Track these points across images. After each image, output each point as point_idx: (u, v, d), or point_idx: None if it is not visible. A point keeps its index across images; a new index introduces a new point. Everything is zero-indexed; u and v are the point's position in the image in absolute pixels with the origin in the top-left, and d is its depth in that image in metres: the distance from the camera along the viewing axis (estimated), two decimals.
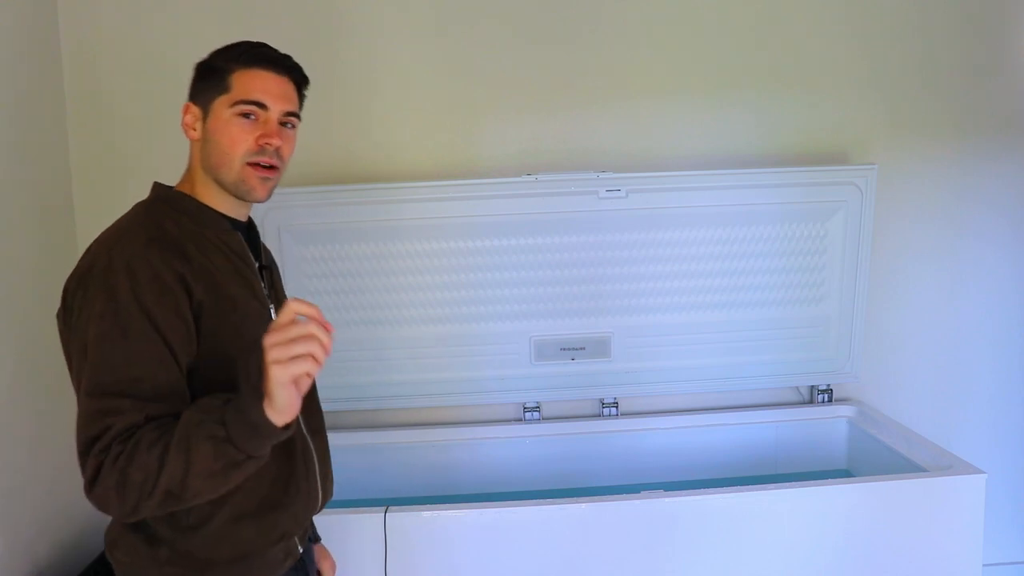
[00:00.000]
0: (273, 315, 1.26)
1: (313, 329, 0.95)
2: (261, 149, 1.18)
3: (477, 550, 1.77)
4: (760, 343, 2.33)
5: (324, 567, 1.52)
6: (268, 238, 2.15)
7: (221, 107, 1.17)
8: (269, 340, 0.95)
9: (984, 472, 1.85)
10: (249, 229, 1.30)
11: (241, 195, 1.21)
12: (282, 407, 0.96)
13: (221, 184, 1.20)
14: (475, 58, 2.24)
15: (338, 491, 2.29)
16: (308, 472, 1.27)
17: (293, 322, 0.95)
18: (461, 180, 2.16)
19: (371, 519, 1.75)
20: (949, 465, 1.91)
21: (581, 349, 2.30)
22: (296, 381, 0.96)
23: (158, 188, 1.23)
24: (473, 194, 2.15)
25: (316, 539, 1.54)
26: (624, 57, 2.27)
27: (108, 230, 1.15)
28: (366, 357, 2.26)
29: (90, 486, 1.02)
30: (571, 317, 2.28)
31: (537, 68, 2.25)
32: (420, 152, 2.27)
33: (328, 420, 2.39)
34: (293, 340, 0.94)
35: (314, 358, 0.95)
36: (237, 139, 1.17)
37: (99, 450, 1.01)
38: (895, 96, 2.33)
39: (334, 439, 2.30)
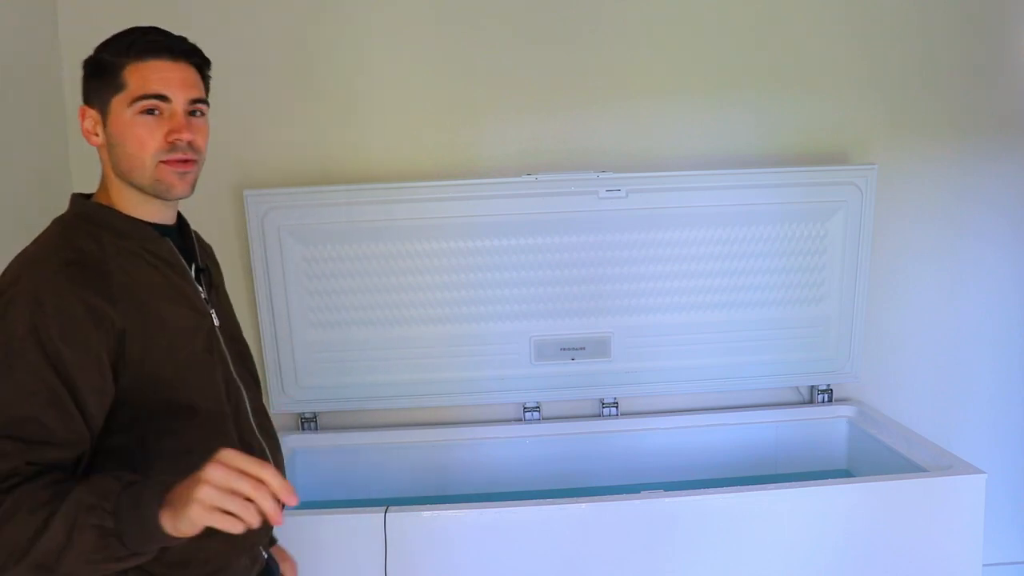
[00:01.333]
0: (215, 320, 1.19)
1: (264, 503, 0.86)
2: (172, 146, 1.09)
3: (477, 550, 1.77)
4: (760, 343, 2.33)
5: (285, 568, 1.45)
6: (268, 238, 2.15)
7: (120, 106, 1.08)
8: (212, 474, 0.86)
9: (984, 472, 1.85)
10: (181, 230, 1.22)
11: (160, 195, 1.11)
12: (182, 531, 0.88)
13: (138, 188, 1.11)
14: (475, 58, 2.24)
15: (338, 491, 2.30)
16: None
17: (249, 474, 0.86)
18: (461, 180, 2.16)
19: (371, 519, 1.75)
20: (949, 465, 1.91)
21: (581, 349, 2.30)
22: (199, 512, 0.86)
23: (76, 201, 1.13)
24: (473, 194, 2.15)
25: (273, 541, 1.49)
26: (624, 57, 2.27)
27: (21, 254, 1.07)
28: (366, 357, 2.26)
29: None
30: (571, 317, 2.28)
31: (537, 68, 2.25)
32: (420, 152, 2.26)
33: (328, 420, 2.41)
34: (235, 492, 0.86)
35: (243, 520, 0.86)
36: (144, 139, 1.08)
37: None
38: (895, 96, 2.33)
39: (334, 439, 2.32)
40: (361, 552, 1.75)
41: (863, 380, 2.42)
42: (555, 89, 2.26)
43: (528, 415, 2.38)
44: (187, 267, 1.18)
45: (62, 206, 1.14)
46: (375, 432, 2.34)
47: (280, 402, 2.27)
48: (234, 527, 0.87)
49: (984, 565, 1.88)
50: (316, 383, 2.27)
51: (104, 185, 1.14)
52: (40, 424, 0.95)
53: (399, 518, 1.75)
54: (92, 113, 1.12)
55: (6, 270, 1.05)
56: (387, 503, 1.79)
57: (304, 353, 2.25)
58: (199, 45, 1.20)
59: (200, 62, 1.18)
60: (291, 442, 2.29)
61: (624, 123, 2.29)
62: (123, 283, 1.06)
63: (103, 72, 1.10)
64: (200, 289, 1.19)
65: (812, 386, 2.44)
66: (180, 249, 1.18)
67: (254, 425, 1.25)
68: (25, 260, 1.05)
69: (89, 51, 1.21)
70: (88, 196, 1.16)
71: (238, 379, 1.23)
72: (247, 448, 1.20)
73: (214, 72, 1.24)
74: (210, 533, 0.93)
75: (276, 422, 2.35)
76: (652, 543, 1.79)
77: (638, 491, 1.83)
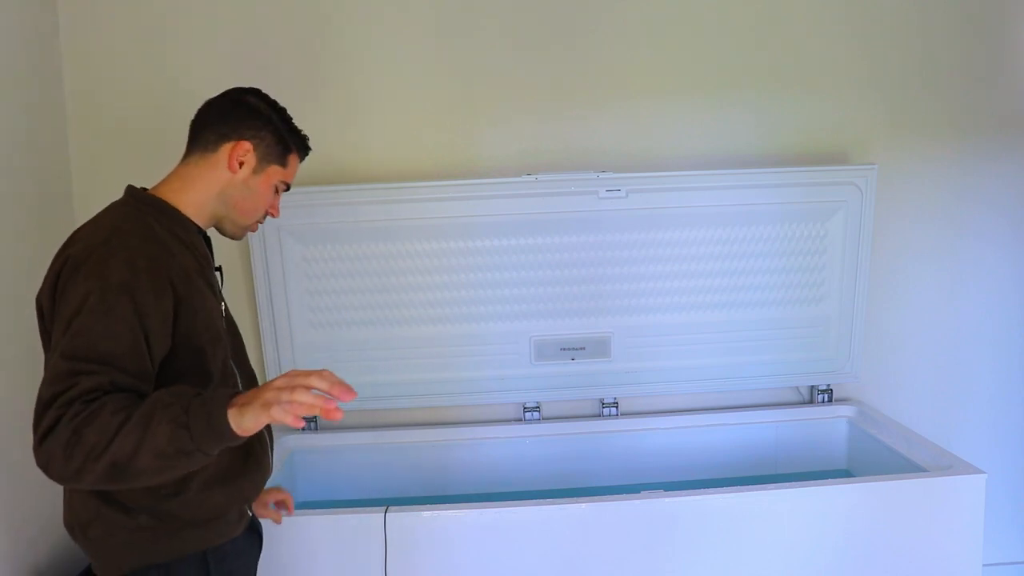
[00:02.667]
0: (224, 311, 1.39)
1: (319, 382, 1.03)
2: (266, 215, 1.42)
3: (477, 550, 1.77)
4: (760, 343, 2.33)
5: (281, 496, 1.67)
6: (268, 238, 2.15)
7: (274, 175, 1.37)
8: (276, 379, 1.05)
9: (984, 472, 1.85)
10: (204, 235, 1.40)
11: (232, 235, 1.39)
12: (247, 426, 1.04)
13: (223, 218, 1.36)
14: (475, 58, 2.24)
15: (338, 491, 2.30)
16: (262, 444, 1.38)
17: (318, 372, 1.04)
18: (461, 180, 2.16)
19: (371, 519, 1.75)
20: (949, 465, 1.91)
21: (581, 349, 2.30)
22: (273, 414, 1.02)
23: (135, 191, 1.31)
24: (473, 194, 2.15)
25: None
26: (624, 57, 2.27)
27: (98, 224, 1.23)
28: (366, 357, 2.26)
29: (41, 439, 1.06)
30: (571, 317, 2.28)
31: (537, 68, 2.25)
32: (420, 152, 2.27)
33: (328, 420, 2.40)
34: (301, 378, 1.04)
35: (302, 410, 1.02)
36: (264, 206, 1.39)
37: (62, 403, 1.06)
38: (895, 96, 2.33)
39: (334, 439, 2.32)
40: (361, 552, 1.75)
41: (863, 380, 2.42)
42: (555, 89, 2.26)
43: (528, 415, 2.38)
44: (212, 263, 1.38)
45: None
46: (375, 432, 2.34)
47: None
48: (296, 421, 1.02)
49: (984, 565, 1.88)
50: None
51: (182, 186, 1.32)
52: (123, 359, 1.12)
53: (399, 518, 1.75)
54: (251, 157, 1.33)
55: (84, 234, 1.21)
56: (387, 503, 1.79)
57: (304, 353, 2.25)
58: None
59: None
60: (290, 442, 2.29)
61: (624, 123, 2.29)
62: (180, 263, 1.24)
63: (278, 141, 1.36)
64: (218, 282, 1.40)
65: (812, 386, 2.44)
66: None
67: None
68: (107, 227, 1.21)
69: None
70: (142, 190, 1.33)
71: (234, 365, 1.37)
72: None
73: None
74: (211, 487, 1.22)
75: None
76: (652, 543, 1.79)
77: (638, 491, 1.83)
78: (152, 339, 1.16)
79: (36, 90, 2.05)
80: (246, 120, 1.32)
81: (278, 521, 1.67)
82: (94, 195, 2.22)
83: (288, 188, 1.42)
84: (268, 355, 2.23)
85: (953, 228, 2.40)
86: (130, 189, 1.32)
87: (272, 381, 1.05)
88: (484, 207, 2.15)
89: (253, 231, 1.42)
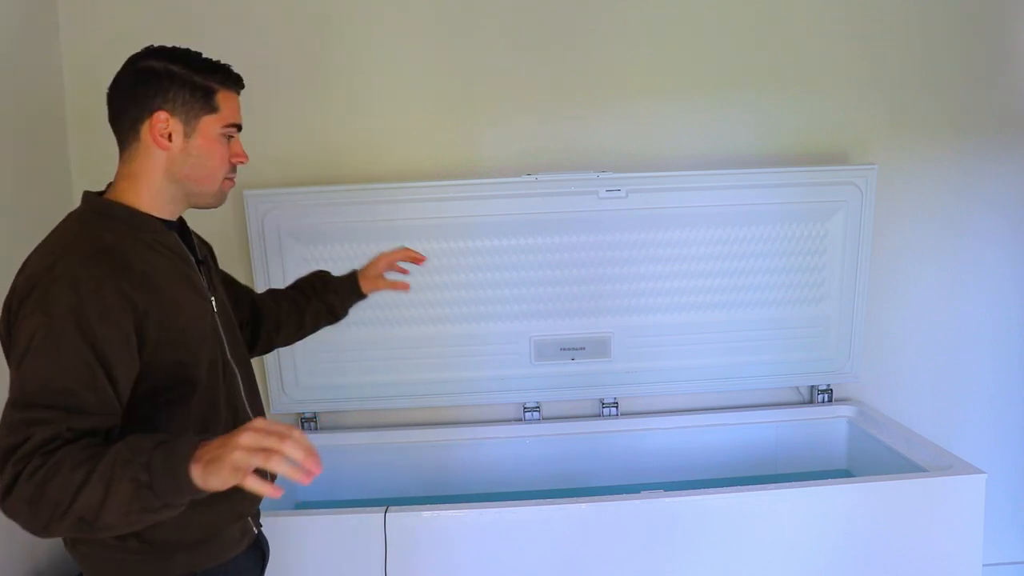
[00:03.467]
0: (215, 307, 1.29)
1: (291, 452, 0.94)
2: (233, 167, 1.27)
3: (477, 550, 1.77)
4: (760, 343, 2.33)
5: (382, 265, 1.64)
6: (268, 238, 2.15)
7: (211, 126, 1.21)
8: (244, 438, 0.94)
9: (984, 472, 1.85)
10: (182, 228, 1.32)
11: (206, 205, 1.27)
12: (214, 487, 0.96)
13: (192, 194, 1.24)
14: (475, 58, 2.24)
15: (338, 491, 2.30)
16: None
17: (285, 432, 0.95)
18: (461, 180, 2.16)
19: (371, 519, 1.75)
20: (949, 465, 1.91)
21: (581, 349, 2.30)
22: (240, 472, 0.94)
23: (90, 197, 1.23)
24: (473, 194, 2.15)
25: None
26: (624, 57, 2.27)
27: (46, 244, 1.16)
28: (366, 357, 2.26)
29: (3, 495, 1.01)
30: (571, 317, 2.28)
31: (537, 68, 2.25)
32: (420, 152, 2.27)
33: (328, 420, 2.41)
34: (272, 440, 0.94)
35: (267, 482, 0.96)
36: (223, 159, 1.24)
37: (18, 459, 1.00)
38: (895, 96, 2.33)
39: (334, 439, 2.32)
40: (361, 552, 1.75)
41: (863, 380, 2.42)
42: (555, 89, 2.26)
43: (528, 415, 2.38)
44: (191, 257, 1.28)
45: (62, 206, 1.15)
46: (375, 432, 2.34)
47: (280, 402, 2.27)
48: (262, 488, 0.95)
49: (984, 565, 1.88)
50: (316, 383, 2.27)
51: (130, 183, 1.22)
52: (79, 396, 1.05)
53: (399, 518, 1.75)
54: (175, 123, 1.20)
55: (33, 259, 1.14)
56: (387, 503, 1.80)
57: (304, 353, 2.25)
58: (201, 46, 1.27)
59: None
60: None
61: (624, 123, 2.29)
62: (142, 270, 1.16)
63: (193, 90, 1.20)
64: (202, 277, 1.30)
65: (812, 386, 2.44)
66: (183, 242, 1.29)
67: (247, 403, 1.34)
68: (53, 248, 1.14)
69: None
70: (100, 193, 1.24)
71: (233, 362, 1.32)
72: (236, 425, 1.26)
73: None
74: (194, 506, 1.05)
75: (275, 418, 2.35)
76: (652, 543, 1.79)
77: (638, 491, 1.83)
78: (112, 366, 1.08)
79: (36, 89, 2.05)
80: (149, 89, 1.18)
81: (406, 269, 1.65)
82: None
83: (239, 128, 1.26)
84: (268, 355, 2.23)
85: (953, 228, 2.40)
86: (85, 196, 1.23)
87: (240, 438, 0.94)
88: (484, 207, 2.15)
89: (229, 187, 1.28)
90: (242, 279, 2.24)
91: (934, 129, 2.35)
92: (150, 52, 1.21)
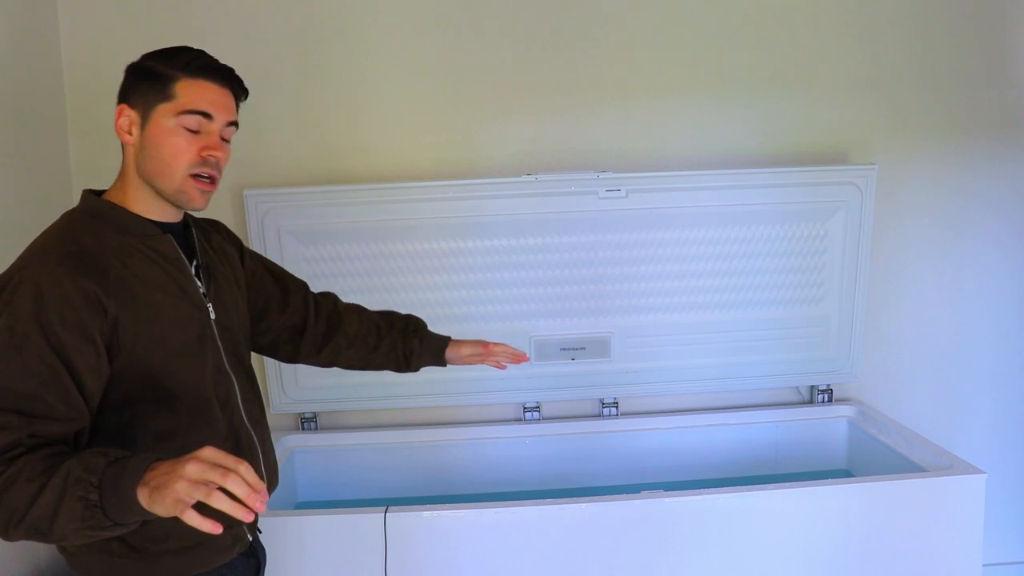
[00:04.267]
0: (212, 314, 1.26)
1: (235, 489, 0.90)
2: (203, 161, 1.18)
3: (477, 550, 1.77)
4: (760, 343, 2.33)
5: (473, 349, 1.60)
6: (268, 238, 2.15)
7: (164, 115, 1.16)
8: (189, 469, 0.91)
9: (984, 472, 1.85)
10: (185, 229, 1.29)
11: (179, 205, 1.21)
12: (158, 513, 0.93)
13: (158, 192, 1.19)
14: (475, 58, 2.24)
15: (338, 491, 2.30)
16: (252, 463, 1.24)
17: (230, 465, 0.92)
18: (461, 180, 2.16)
19: (371, 519, 1.75)
20: (949, 465, 1.91)
21: (581, 349, 2.30)
22: (181, 503, 0.91)
23: (86, 197, 1.21)
24: (473, 194, 2.15)
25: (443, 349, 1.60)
26: (624, 57, 2.27)
27: (30, 246, 1.15)
28: None
29: None
30: (571, 317, 2.28)
31: (537, 68, 2.25)
32: (420, 152, 2.27)
33: (328, 420, 2.41)
34: (216, 474, 0.91)
35: (213, 496, 0.91)
36: (181, 150, 1.16)
37: None
38: (895, 96, 2.33)
39: (334, 439, 2.32)
40: (361, 552, 1.75)
41: (863, 380, 2.42)
42: (555, 89, 2.26)
43: (528, 415, 2.38)
44: (187, 263, 1.25)
45: (62, 206, 1.15)
46: (375, 432, 2.34)
47: (280, 402, 2.27)
48: (201, 524, 0.92)
49: (984, 565, 1.88)
50: (316, 383, 2.27)
51: (121, 183, 1.21)
52: (42, 401, 1.04)
53: (399, 518, 1.75)
54: (131, 113, 1.17)
55: (15, 262, 1.13)
56: (387, 503, 1.80)
57: None
58: (200, 46, 1.24)
59: (240, 91, 1.25)
60: (290, 442, 2.29)
61: (624, 123, 2.29)
62: (120, 275, 1.13)
63: (153, 79, 1.16)
64: (199, 284, 1.26)
65: (812, 386, 2.44)
66: (182, 246, 1.26)
67: (243, 414, 1.31)
68: (32, 250, 1.13)
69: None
70: (100, 192, 1.23)
71: (230, 370, 1.29)
72: (235, 435, 1.27)
73: None
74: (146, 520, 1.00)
75: (276, 422, 2.36)
76: (652, 543, 1.79)
77: (638, 491, 1.83)
78: (79, 372, 1.06)
79: (36, 90, 2.05)
80: (122, 85, 1.19)
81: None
82: None
83: (207, 115, 1.17)
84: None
85: (953, 228, 2.40)
86: (83, 195, 1.21)
87: (185, 467, 0.91)
88: (484, 207, 2.15)
89: (201, 187, 1.19)
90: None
91: (934, 129, 2.35)
92: (143, 55, 1.21)
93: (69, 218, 1.19)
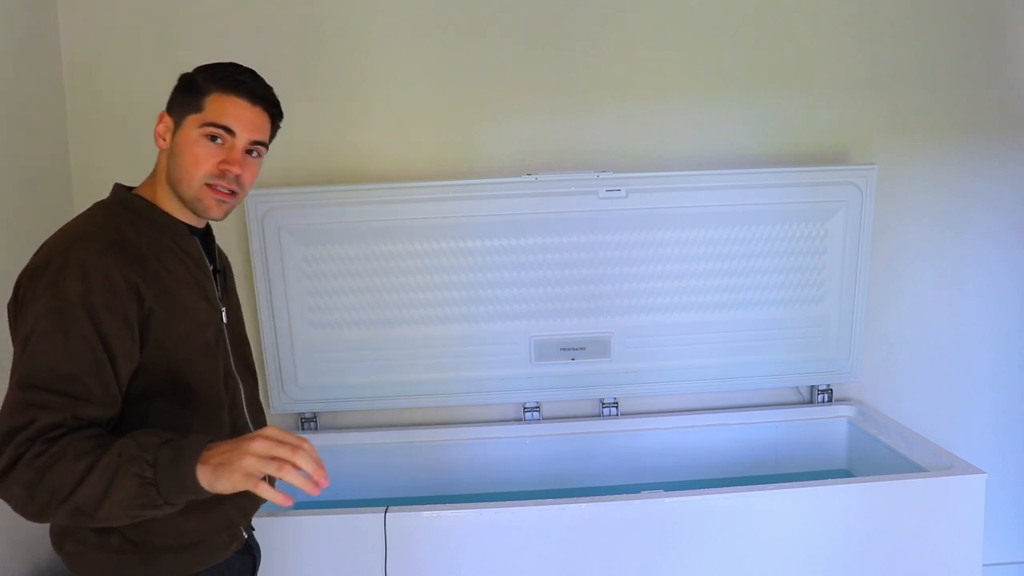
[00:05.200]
0: (224, 318, 1.30)
1: (303, 463, 0.97)
2: (221, 174, 1.20)
3: (477, 550, 1.77)
4: (760, 343, 2.33)
5: None
6: (268, 238, 2.15)
7: (191, 125, 1.20)
8: (255, 445, 0.97)
9: (984, 472, 1.85)
10: (205, 234, 1.33)
11: (197, 212, 1.24)
12: (220, 489, 0.98)
13: (180, 197, 1.23)
14: (475, 58, 2.24)
15: (338, 491, 2.30)
16: None
17: (296, 442, 0.99)
18: (461, 180, 2.16)
19: (371, 519, 1.75)
20: (949, 465, 1.91)
21: (581, 349, 2.30)
22: (252, 478, 0.97)
23: (119, 190, 1.25)
24: (473, 194, 2.15)
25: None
26: (624, 57, 2.27)
27: (65, 229, 1.18)
28: (366, 357, 2.26)
29: (1, 477, 1.01)
30: (571, 317, 2.27)
31: (537, 68, 2.25)
32: (420, 152, 2.27)
33: (328, 420, 2.41)
34: (281, 449, 0.97)
35: (279, 471, 0.97)
36: (200, 159, 1.19)
37: (20, 442, 1.01)
38: (895, 96, 2.33)
39: (334, 439, 2.32)
40: (361, 552, 1.75)
41: (863, 380, 2.42)
42: (555, 89, 2.26)
43: (528, 415, 2.38)
44: (208, 265, 1.30)
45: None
46: (375, 432, 2.34)
47: (280, 402, 2.27)
48: (274, 496, 0.98)
49: (984, 565, 1.88)
50: (316, 383, 2.27)
51: (152, 183, 1.26)
52: (84, 384, 1.06)
53: (399, 518, 1.75)
54: (168, 121, 1.23)
55: (50, 242, 1.15)
56: (387, 503, 1.80)
57: (304, 353, 2.25)
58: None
59: (276, 113, 1.30)
60: None
61: (624, 123, 2.29)
62: (155, 269, 1.17)
63: (190, 90, 1.22)
64: (216, 287, 1.31)
65: (812, 386, 2.44)
66: (204, 249, 1.31)
67: (247, 416, 1.35)
68: (71, 235, 1.15)
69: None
70: (129, 188, 1.27)
71: (236, 373, 1.32)
72: (238, 434, 1.27)
73: None
74: (188, 512, 1.08)
75: (276, 422, 2.36)
76: (652, 543, 1.79)
77: (638, 491, 1.83)
78: (116, 357, 1.09)
79: (36, 89, 2.05)
80: (170, 97, 1.25)
81: None
82: (94, 195, 2.22)
83: (229, 131, 1.20)
84: (268, 355, 2.23)
85: (953, 228, 2.40)
86: (116, 188, 1.26)
87: (251, 443, 0.97)
88: (484, 207, 2.15)
89: (217, 197, 1.21)
90: (242, 279, 2.25)
91: (934, 129, 2.35)
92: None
93: (106, 208, 1.22)
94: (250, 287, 2.23)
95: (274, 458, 0.97)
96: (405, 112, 2.25)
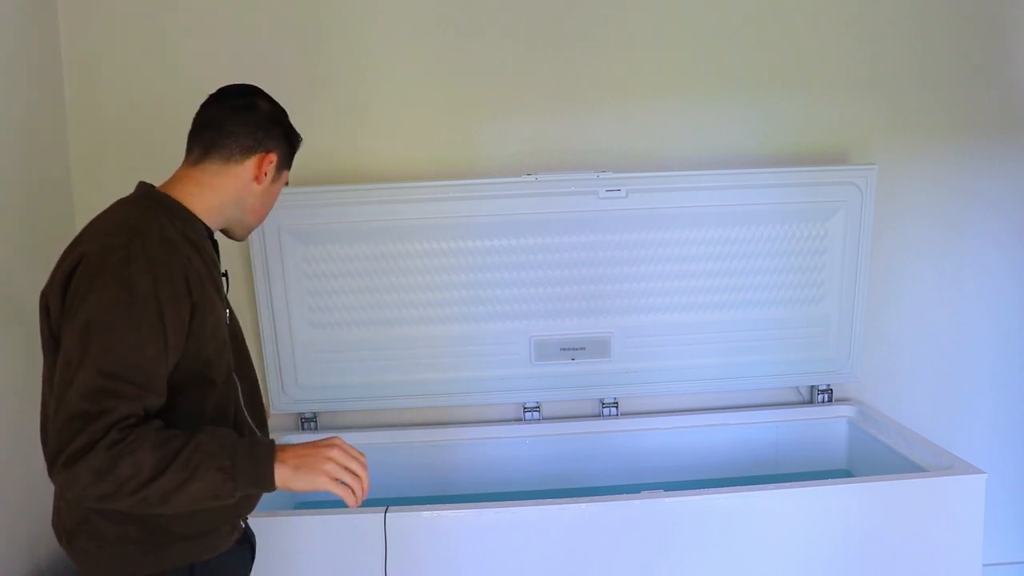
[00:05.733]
0: (228, 318, 1.35)
1: (366, 481, 1.20)
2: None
3: (477, 550, 1.77)
4: (760, 343, 2.33)
5: None
6: (268, 238, 2.15)
7: (284, 178, 1.39)
8: (336, 453, 1.16)
9: (984, 472, 1.85)
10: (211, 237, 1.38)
11: (239, 236, 1.39)
12: (296, 487, 1.13)
13: (239, 223, 1.36)
14: (475, 58, 2.24)
15: None
16: None
17: (362, 459, 1.20)
18: (461, 180, 2.16)
19: (371, 519, 1.75)
20: (949, 465, 1.91)
21: (581, 349, 2.30)
22: (326, 480, 1.14)
23: (148, 188, 1.28)
24: (473, 194, 2.15)
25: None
26: (624, 57, 2.27)
27: (113, 223, 1.19)
28: (366, 357, 2.26)
29: (70, 461, 1.03)
30: (571, 317, 2.28)
31: (537, 68, 2.25)
32: (420, 152, 2.27)
33: (328, 420, 2.41)
34: (355, 463, 1.17)
35: (345, 485, 1.17)
36: (273, 206, 1.41)
37: (95, 429, 1.03)
38: (895, 96, 2.33)
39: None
40: (361, 552, 1.75)
41: (863, 380, 2.42)
42: (555, 89, 2.26)
43: (528, 415, 2.38)
44: (219, 268, 1.36)
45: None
46: (375, 432, 2.34)
47: (280, 402, 2.27)
48: (348, 498, 1.16)
49: (984, 565, 1.88)
50: (316, 383, 2.27)
51: (192, 187, 1.29)
52: (151, 375, 1.11)
53: (399, 518, 1.75)
54: (273, 167, 1.34)
55: (99, 232, 1.18)
56: (387, 503, 1.79)
57: (304, 353, 2.25)
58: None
59: None
60: (291, 442, 2.29)
61: (624, 123, 2.29)
62: (196, 267, 1.22)
63: (289, 147, 1.38)
64: (223, 287, 1.37)
65: (812, 386, 2.44)
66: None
67: (246, 414, 1.38)
68: (123, 227, 1.17)
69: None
70: (152, 187, 1.30)
71: (235, 373, 1.35)
72: (239, 431, 1.34)
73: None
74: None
75: (276, 422, 2.36)
76: (652, 543, 1.79)
77: (638, 491, 1.83)
78: (171, 350, 1.14)
79: (36, 90, 2.05)
80: (270, 130, 1.32)
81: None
82: (94, 195, 2.21)
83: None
84: (268, 355, 2.23)
85: (953, 228, 2.40)
86: (143, 186, 1.29)
87: (330, 451, 1.15)
88: (484, 207, 2.15)
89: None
90: (242, 279, 2.25)
91: (934, 129, 2.35)
92: (265, 95, 1.35)
93: (141, 205, 1.24)
94: (250, 287, 2.23)
95: (349, 469, 1.15)
96: (405, 112, 2.25)
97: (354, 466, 1.16)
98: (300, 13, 2.20)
